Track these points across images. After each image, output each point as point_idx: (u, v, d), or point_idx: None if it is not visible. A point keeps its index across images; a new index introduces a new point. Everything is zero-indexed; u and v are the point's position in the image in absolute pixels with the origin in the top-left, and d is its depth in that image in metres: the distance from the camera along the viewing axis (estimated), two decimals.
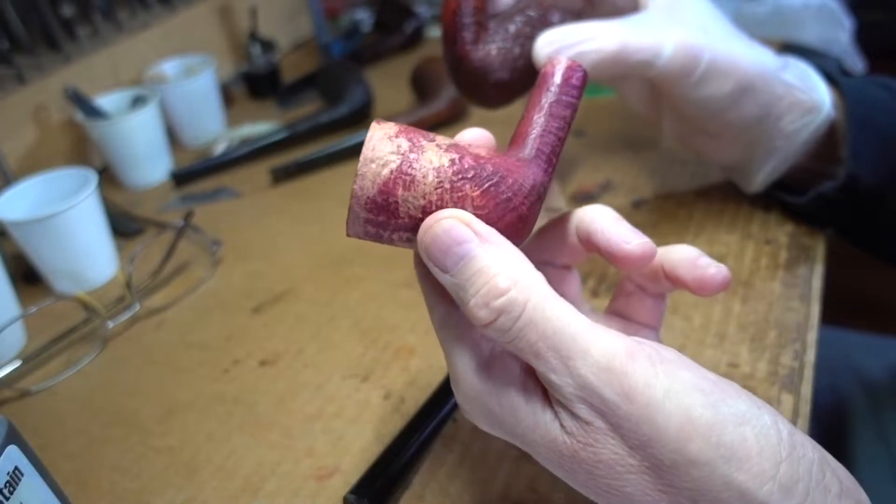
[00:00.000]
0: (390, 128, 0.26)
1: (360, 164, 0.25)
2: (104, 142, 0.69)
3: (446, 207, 0.25)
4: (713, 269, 0.28)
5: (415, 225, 0.25)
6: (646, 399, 0.22)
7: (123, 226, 0.64)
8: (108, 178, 0.72)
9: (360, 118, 0.76)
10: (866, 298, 1.06)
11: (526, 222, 0.26)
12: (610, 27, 0.42)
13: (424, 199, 0.25)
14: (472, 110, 0.74)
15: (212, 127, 0.78)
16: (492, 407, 0.26)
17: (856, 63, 0.80)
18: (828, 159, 0.47)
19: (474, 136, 0.29)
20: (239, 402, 0.44)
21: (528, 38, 0.43)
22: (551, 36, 0.41)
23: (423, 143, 0.25)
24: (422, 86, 0.76)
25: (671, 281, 0.30)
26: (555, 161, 0.27)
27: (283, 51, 0.97)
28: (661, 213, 0.54)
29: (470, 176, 0.25)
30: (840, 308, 0.64)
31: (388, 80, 0.84)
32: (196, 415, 0.44)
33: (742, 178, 0.51)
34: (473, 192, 0.25)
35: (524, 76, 0.44)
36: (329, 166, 0.69)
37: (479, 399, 0.26)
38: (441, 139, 0.26)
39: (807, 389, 0.39)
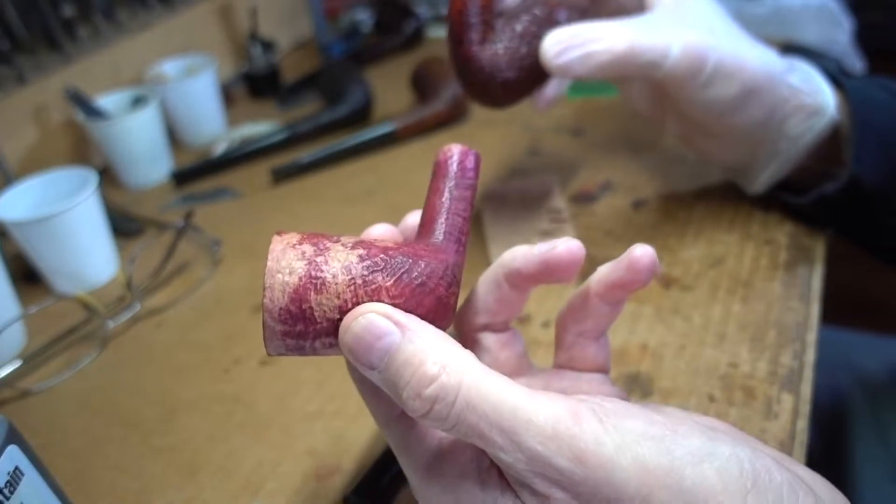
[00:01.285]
0: (292, 237, 0.25)
1: (265, 278, 0.24)
2: (104, 142, 0.69)
3: (362, 303, 0.24)
4: (639, 250, 0.27)
5: (334, 327, 0.25)
6: (598, 459, 0.21)
7: (124, 226, 0.64)
8: (109, 178, 0.73)
9: (360, 118, 0.76)
10: (866, 298, 1.06)
11: (445, 304, 0.25)
12: (618, 27, 0.42)
13: (339, 298, 0.24)
14: (472, 110, 0.74)
15: (212, 127, 0.78)
16: None
17: (855, 63, 0.80)
18: (830, 161, 0.47)
19: (380, 233, 0.29)
20: (239, 401, 0.44)
21: (534, 37, 0.43)
22: (559, 36, 0.41)
23: (328, 244, 0.25)
24: (422, 86, 0.76)
25: (602, 292, 0.28)
26: (464, 241, 0.27)
27: (283, 51, 0.97)
28: (661, 213, 0.54)
29: (381, 267, 0.24)
30: (840, 308, 0.64)
31: (388, 80, 0.84)
32: (196, 415, 0.44)
33: (744, 179, 0.51)
34: (386, 282, 0.24)
35: (531, 75, 0.44)
36: (329, 166, 0.69)
37: (435, 499, 0.25)
38: (345, 238, 0.26)
39: (806, 389, 0.39)
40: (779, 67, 0.45)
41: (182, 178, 0.71)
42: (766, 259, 0.48)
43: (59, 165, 0.66)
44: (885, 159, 0.45)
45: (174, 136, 0.77)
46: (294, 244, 0.25)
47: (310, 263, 0.24)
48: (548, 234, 0.52)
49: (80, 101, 0.68)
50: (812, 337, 0.42)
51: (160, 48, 0.81)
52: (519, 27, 0.43)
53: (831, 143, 0.46)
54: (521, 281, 0.29)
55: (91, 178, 0.56)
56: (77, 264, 0.56)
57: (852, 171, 0.44)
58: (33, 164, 0.68)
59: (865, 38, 0.83)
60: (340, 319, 0.24)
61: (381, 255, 0.25)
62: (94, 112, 0.69)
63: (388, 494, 0.36)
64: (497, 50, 0.43)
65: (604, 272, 0.28)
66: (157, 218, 0.65)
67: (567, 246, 0.28)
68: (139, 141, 0.69)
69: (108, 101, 0.71)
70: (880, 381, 0.64)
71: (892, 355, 0.67)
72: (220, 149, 0.74)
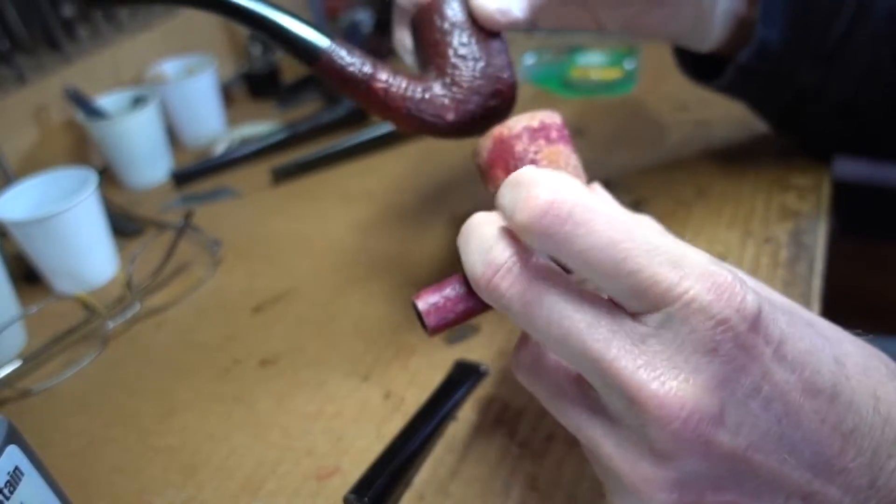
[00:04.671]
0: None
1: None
2: (104, 142, 0.69)
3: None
4: None
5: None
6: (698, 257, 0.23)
7: (123, 226, 0.64)
8: (109, 178, 0.72)
9: (361, 118, 0.76)
10: (866, 298, 1.06)
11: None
12: None
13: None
14: None
15: (212, 127, 0.78)
16: None
17: None
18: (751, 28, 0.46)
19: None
20: (239, 401, 0.44)
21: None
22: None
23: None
24: None
25: None
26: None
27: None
28: (661, 212, 0.54)
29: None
30: (840, 308, 0.63)
31: None
32: (196, 414, 0.44)
33: (699, 36, 0.48)
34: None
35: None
36: (329, 166, 0.69)
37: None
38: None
39: None
40: None
41: (182, 178, 0.71)
42: (767, 257, 0.48)
43: (59, 165, 0.66)
44: (790, 21, 0.44)
45: (174, 136, 0.77)
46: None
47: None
48: None
49: (80, 101, 0.68)
50: None
51: (160, 48, 0.81)
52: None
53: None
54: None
55: (91, 178, 0.56)
56: (77, 264, 0.56)
57: (760, 33, 0.44)
58: (33, 164, 0.68)
59: None
60: None
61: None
62: (94, 112, 0.69)
63: (387, 494, 0.36)
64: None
65: None
66: (157, 218, 0.65)
67: None
68: (139, 141, 0.69)
69: (108, 101, 0.71)
70: None
71: (891, 356, 0.67)
72: (219, 149, 0.74)
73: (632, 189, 0.57)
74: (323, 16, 0.94)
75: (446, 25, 0.34)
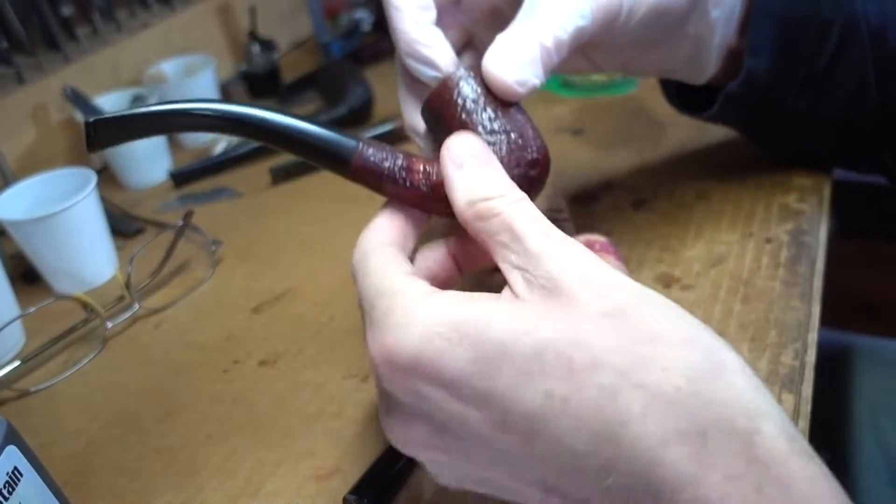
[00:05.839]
0: None
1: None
2: None
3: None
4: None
5: None
6: (605, 266, 0.26)
7: (123, 226, 0.64)
8: (108, 178, 0.72)
9: (361, 118, 0.75)
10: (867, 298, 1.06)
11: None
12: (525, 30, 0.34)
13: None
14: None
15: None
16: (447, 313, 0.25)
17: None
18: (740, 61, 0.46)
19: None
20: (238, 402, 0.44)
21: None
22: (501, 55, 0.34)
23: None
24: None
25: None
26: None
27: (282, 50, 0.97)
28: (661, 213, 0.54)
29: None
30: (840, 308, 0.64)
31: (388, 80, 0.83)
32: (196, 415, 0.44)
33: (695, 71, 0.47)
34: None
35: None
36: None
37: (434, 310, 0.25)
38: None
39: (807, 389, 0.39)
40: None
41: (181, 177, 0.71)
42: (768, 258, 0.48)
43: (58, 165, 0.66)
44: (779, 48, 0.45)
45: (173, 136, 0.76)
46: None
47: None
48: None
49: (79, 101, 0.68)
50: (813, 337, 0.42)
51: (159, 48, 0.81)
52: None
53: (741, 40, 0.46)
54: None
55: (90, 177, 0.56)
56: (76, 264, 0.56)
57: (747, 65, 0.45)
58: (32, 163, 0.68)
59: None
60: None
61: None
62: (93, 112, 0.69)
63: (387, 495, 0.36)
64: None
65: None
66: (156, 218, 0.65)
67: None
68: (138, 140, 0.68)
69: (106, 100, 0.71)
70: (879, 383, 0.64)
71: (891, 356, 0.67)
72: (219, 148, 0.74)
73: (632, 189, 0.57)
74: (322, 16, 0.93)
75: (468, 104, 0.32)
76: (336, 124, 0.74)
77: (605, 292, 0.24)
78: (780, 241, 0.49)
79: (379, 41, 0.93)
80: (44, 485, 0.30)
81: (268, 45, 0.86)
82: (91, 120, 0.30)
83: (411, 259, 0.31)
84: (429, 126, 0.35)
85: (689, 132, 0.63)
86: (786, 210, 0.52)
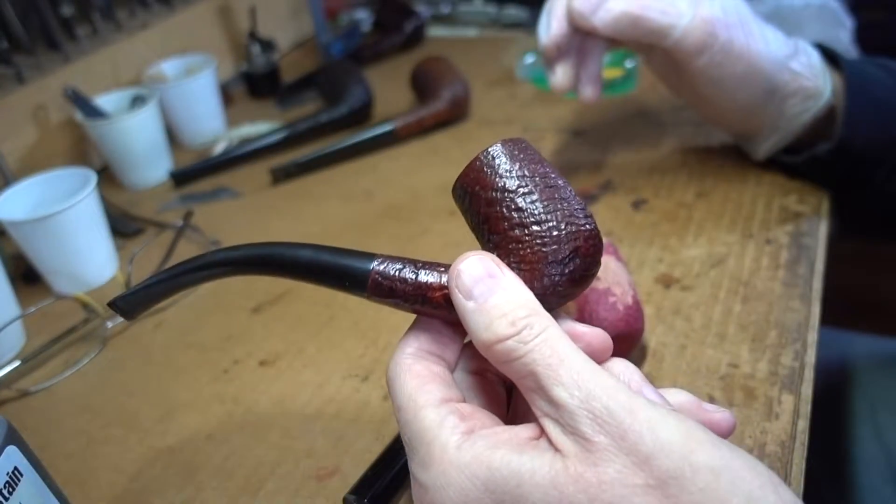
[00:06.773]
0: None
1: None
2: (104, 142, 0.69)
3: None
4: (718, 415, 0.27)
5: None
6: (648, 413, 0.23)
7: (123, 226, 0.64)
8: (108, 178, 0.72)
9: (360, 118, 0.75)
10: (866, 299, 1.06)
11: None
12: None
13: None
14: (472, 111, 0.74)
15: (211, 127, 0.78)
16: (480, 472, 0.24)
17: None
18: (825, 135, 0.51)
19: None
20: (239, 402, 0.44)
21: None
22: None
23: None
24: (422, 85, 0.76)
25: None
26: None
27: (282, 50, 0.97)
28: (661, 213, 0.54)
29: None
30: (840, 308, 0.64)
31: (388, 80, 0.84)
32: (196, 415, 0.44)
33: (749, 147, 0.56)
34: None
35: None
36: (329, 166, 0.69)
37: (467, 469, 0.24)
38: None
39: (807, 389, 0.39)
40: (784, 51, 0.49)
41: (181, 177, 0.71)
42: (768, 259, 0.48)
43: (58, 165, 0.66)
44: (878, 125, 0.49)
45: (173, 136, 0.76)
46: None
47: None
48: None
49: (79, 101, 0.68)
50: (813, 337, 0.42)
51: (159, 48, 0.81)
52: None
53: (827, 124, 0.51)
54: None
55: (90, 177, 0.56)
56: (76, 264, 0.56)
57: (842, 134, 0.49)
58: (32, 163, 0.68)
59: (866, 37, 0.83)
60: None
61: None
62: (93, 112, 0.69)
63: (387, 495, 0.36)
64: None
65: (688, 412, 0.27)
66: (157, 218, 0.65)
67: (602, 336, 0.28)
68: (138, 141, 0.69)
69: (107, 100, 0.71)
70: (879, 383, 0.64)
71: (891, 356, 0.67)
72: (219, 148, 0.74)
73: (632, 189, 0.57)
74: (323, 16, 0.93)
75: (493, 194, 0.28)
76: (336, 124, 0.74)
77: (645, 460, 0.22)
78: (779, 243, 0.49)
79: (379, 41, 0.93)
80: (44, 485, 0.30)
81: (268, 46, 0.86)
82: (110, 301, 0.32)
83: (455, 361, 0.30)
84: (461, 206, 0.30)
85: (688, 132, 0.63)
86: (785, 212, 0.52)
